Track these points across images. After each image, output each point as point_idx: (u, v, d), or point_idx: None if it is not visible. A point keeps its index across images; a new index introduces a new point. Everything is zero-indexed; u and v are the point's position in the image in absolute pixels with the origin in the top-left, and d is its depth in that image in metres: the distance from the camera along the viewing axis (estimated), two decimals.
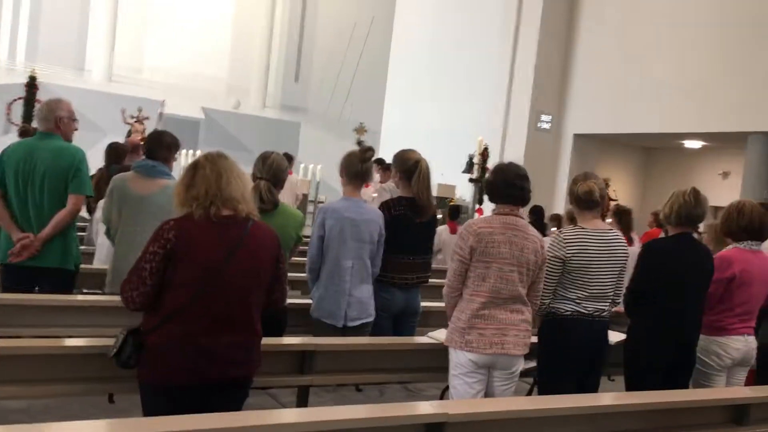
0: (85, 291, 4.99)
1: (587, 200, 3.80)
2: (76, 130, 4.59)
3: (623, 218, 7.65)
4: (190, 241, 2.72)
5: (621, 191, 14.81)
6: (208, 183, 2.79)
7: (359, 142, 13.92)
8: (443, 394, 3.91)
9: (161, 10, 17.88)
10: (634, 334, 4.06)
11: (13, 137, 10.09)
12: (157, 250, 2.71)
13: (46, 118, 4.37)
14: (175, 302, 2.71)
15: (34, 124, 11.04)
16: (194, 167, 2.85)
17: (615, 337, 4.26)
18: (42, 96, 11.84)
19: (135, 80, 17.89)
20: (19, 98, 11.52)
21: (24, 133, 6.40)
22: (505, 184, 3.58)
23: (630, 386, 4.04)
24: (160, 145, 4.43)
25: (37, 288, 4.37)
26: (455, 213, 9.41)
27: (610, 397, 3.59)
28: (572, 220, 7.53)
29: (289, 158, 10.15)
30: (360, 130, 14.37)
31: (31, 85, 11.44)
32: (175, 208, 2.85)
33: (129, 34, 17.71)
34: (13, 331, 3.84)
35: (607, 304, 3.86)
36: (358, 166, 4.32)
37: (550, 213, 10.27)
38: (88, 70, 17.44)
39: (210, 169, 2.82)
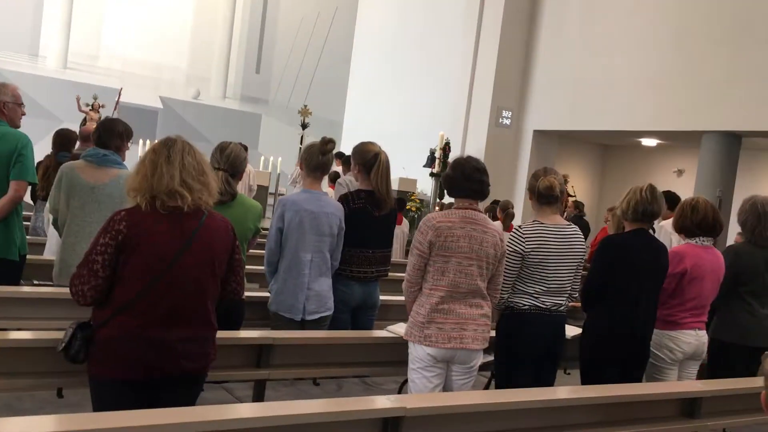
0: (35, 282, 4.85)
1: (548, 195, 3.82)
2: (23, 114, 4.44)
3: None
4: (142, 232, 2.64)
5: (579, 187, 15.02)
6: (145, 176, 2.70)
7: (303, 125, 13.72)
8: (401, 388, 3.91)
9: None
10: (590, 328, 4.11)
11: None
12: (108, 242, 2.63)
13: None
14: (127, 295, 2.64)
15: None
16: (151, 152, 2.77)
17: (571, 331, 4.31)
18: None
19: (91, 68, 17.48)
20: None
21: None
22: (463, 178, 3.58)
23: (585, 380, 4.09)
24: (112, 134, 4.27)
25: None
26: (401, 205, 9.35)
27: (566, 390, 3.64)
28: (504, 211, 8.10)
29: (244, 149, 9.95)
30: (304, 111, 14.17)
31: None
32: (127, 197, 2.76)
33: (85, 19, 17.28)
34: None
35: (565, 298, 3.89)
36: (318, 158, 4.28)
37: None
38: (42, 56, 16.97)
39: (149, 161, 2.73)
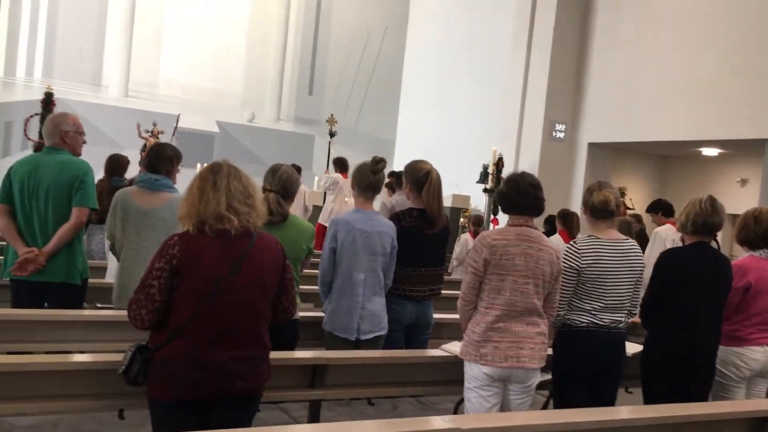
0: (98, 306, 4.99)
1: (602, 210, 3.74)
2: (84, 143, 4.59)
3: (567, 221, 7.67)
4: (195, 256, 2.70)
5: (637, 200, 14.65)
6: (193, 202, 2.76)
7: (331, 133, 13.77)
8: (457, 408, 3.86)
9: (176, 26, 18.02)
10: (651, 344, 4.00)
11: (29, 153, 10.18)
12: (163, 266, 2.69)
13: (51, 133, 4.37)
14: (182, 317, 2.69)
15: None
16: (199, 179, 2.83)
17: (632, 348, 4.20)
18: (59, 111, 11.94)
19: (151, 95, 18.03)
20: (35, 114, 11.60)
21: (38, 149, 6.43)
22: (518, 195, 3.53)
23: (648, 399, 3.97)
24: (162, 159, 4.39)
25: (46, 303, 4.37)
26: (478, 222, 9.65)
27: (628, 410, 3.52)
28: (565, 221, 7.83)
29: (298, 170, 10.23)
30: (331, 120, 14.20)
31: (47, 101, 11.52)
32: (179, 222, 2.82)
33: (144, 49, 17.85)
34: (24, 346, 3.83)
35: (624, 314, 3.79)
36: (369, 178, 4.30)
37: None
38: (104, 86, 17.60)
39: (197, 187, 2.79)
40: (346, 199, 11.32)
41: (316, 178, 16.52)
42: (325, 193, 11.28)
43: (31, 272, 4.19)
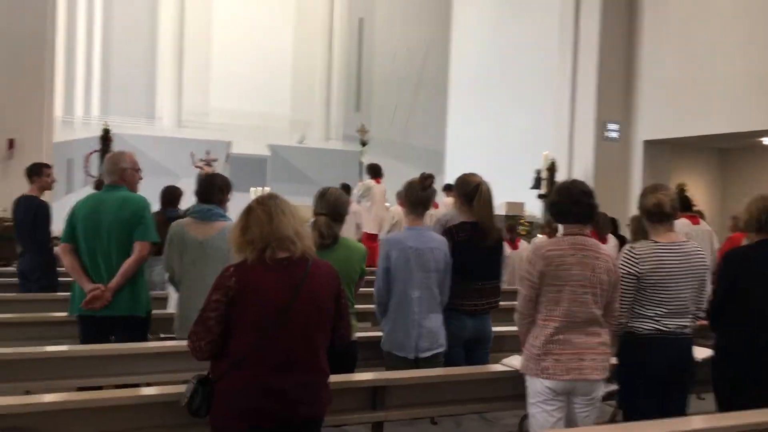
0: (162, 336, 5.09)
1: (658, 213, 3.64)
2: (140, 180, 4.73)
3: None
4: (251, 286, 2.73)
5: (699, 196, 14.18)
6: (261, 225, 2.79)
7: (363, 143, 13.76)
8: (522, 423, 3.79)
9: (223, 55, 18.46)
10: (721, 347, 3.86)
11: (90, 188, 10.53)
12: (220, 298, 2.73)
13: (111, 171, 4.52)
14: (241, 347, 2.72)
15: None
16: (247, 212, 2.87)
17: (701, 353, 4.05)
18: (116, 147, 12.34)
19: (203, 124, 18.48)
20: (95, 151, 12.02)
21: (99, 185, 6.65)
22: (570, 203, 3.46)
23: (722, 405, 3.82)
24: (213, 188, 4.52)
25: (112, 337, 4.49)
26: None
27: (701, 419, 3.39)
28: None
29: (347, 189, 10.41)
30: (362, 130, 14.21)
31: (105, 137, 11.92)
32: (233, 254, 2.87)
33: (194, 80, 18.33)
34: (93, 381, 3.94)
35: (689, 319, 3.66)
36: (418, 194, 4.28)
37: (625, 226, 9.93)
38: (158, 118, 18.13)
39: (261, 211, 2.83)
40: (387, 204, 11.42)
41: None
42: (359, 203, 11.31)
43: (99, 308, 4.32)
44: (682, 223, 7.13)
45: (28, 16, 11.05)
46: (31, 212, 6.27)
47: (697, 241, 7.22)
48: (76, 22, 17.10)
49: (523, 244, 9.64)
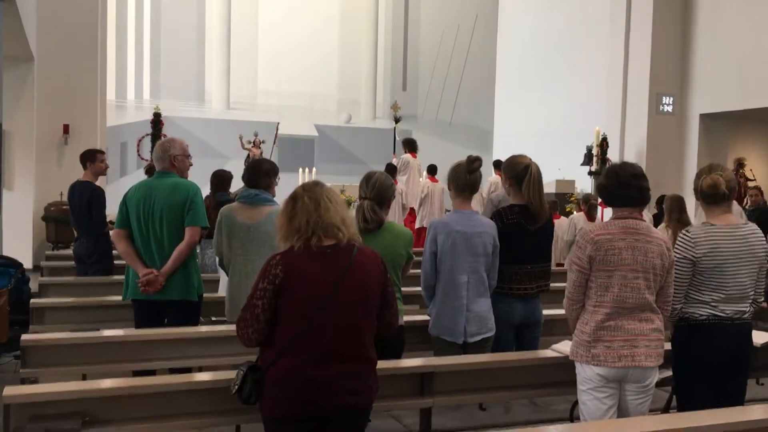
0: (213, 319, 5.19)
1: (713, 194, 3.51)
2: (191, 165, 4.80)
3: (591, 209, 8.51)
4: (297, 274, 2.73)
5: (759, 170, 13.76)
6: (308, 213, 2.79)
7: (397, 119, 13.75)
8: (573, 411, 3.73)
9: (270, 37, 18.49)
10: None
11: (142, 173, 10.77)
12: (266, 286, 2.74)
13: (161, 158, 4.60)
14: (288, 335, 2.73)
15: None
16: (293, 199, 2.87)
17: (760, 338, 3.93)
18: (167, 129, 12.56)
19: (251, 106, 18.62)
20: (147, 135, 12.26)
21: (150, 170, 6.78)
22: (620, 186, 3.36)
23: None
24: (259, 173, 4.59)
25: (166, 320, 4.59)
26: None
27: (761, 409, 3.28)
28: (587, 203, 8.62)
29: (393, 169, 10.51)
30: (395, 107, 14.13)
31: (156, 121, 12.13)
32: (278, 243, 2.87)
33: (242, 62, 18.45)
34: (147, 364, 4.04)
35: (748, 304, 3.54)
36: (465, 177, 4.22)
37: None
38: (207, 101, 18.32)
39: (308, 198, 2.83)
40: (421, 179, 11.53)
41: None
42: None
43: (153, 292, 4.42)
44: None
45: (80, 5, 11.28)
46: (86, 197, 6.43)
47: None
48: (126, 8, 17.38)
49: (562, 219, 9.73)
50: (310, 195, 2.85)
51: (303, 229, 2.78)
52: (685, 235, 3.53)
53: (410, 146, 11.91)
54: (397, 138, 13.17)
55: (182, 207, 4.48)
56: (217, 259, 4.83)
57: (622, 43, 13.89)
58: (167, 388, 3.18)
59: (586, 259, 3.32)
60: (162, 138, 12.03)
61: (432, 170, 11.77)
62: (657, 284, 3.34)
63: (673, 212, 6.72)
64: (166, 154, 4.60)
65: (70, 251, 8.20)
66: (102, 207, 6.51)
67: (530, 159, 4.41)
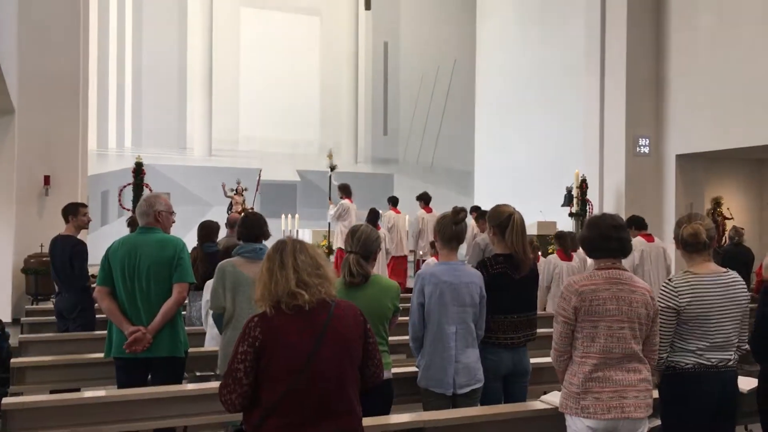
0: (197, 374, 5.13)
1: (694, 243, 3.57)
2: (173, 222, 4.79)
3: (561, 241, 8.30)
4: (277, 335, 2.72)
5: (736, 209, 13.98)
6: (264, 283, 2.81)
7: (331, 167, 13.95)
8: None
9: (251, 84, 18.65)
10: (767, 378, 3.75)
11: (123, 222, 10.70)
12: (247, 349, 2.73)
13: (146, 213, 4.59)
14: (272, 397, 2.71)
15: None
16: (266, 260, 2.88)
17: (746, 384, 3.96)
18: (149, 178, 12.52)
19: (233, 152, 18.66)
20: (128, 184, 12.22)
21: (132, 223, 6.75)
22: (601, 238, 3.41)
23: None
24: (258, 227, 4.66)
25: (150, 377, 4.52)
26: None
27: None
28: (560, 241, 8.38)
29: (376, 214, 10.74)
30: (330, 155, 14.28)
31: (138, 170, 12.11)
32: (255, 304, 2.87)
33: (223, 110, 18.54)
34: (132, 425, 3.96)
35: (732, 352, 3.57)
36: (451, 229, 4.26)
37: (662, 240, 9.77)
38: (189, 148, 18.34)
39: (266, 269, 2.84)
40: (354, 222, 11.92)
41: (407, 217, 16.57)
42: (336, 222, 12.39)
43: (141, 350, 4.36)
44: (637, 241, 8.19)
45: (61, 55, 11.32)
46: (68, 252, 6.39)
47: (651, 257, 8.00)
48: (108, 56, 17.47)
49: (542, 261, 9.72)
50: (268, 263, 2.86)
51: (275, 291, 2.79)
52: (667, 284, 3.57)
53: (345, 191, 12.49)
54: (333, 183, 13.46)
55: (170, 263, 4.46)
56: (204, 312, 4.80)
57: (598, 85, 14.18)
58: None
59: (571, 310, 3.35)
60: (144, 188, 12.05)
61: (394, 202, 13.14)
62: (643, 334, 3.37)
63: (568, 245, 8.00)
64: (151, 209, 4.59)
65: (50, 304, 8.11)
66: (85, 261, 6.47)
67: (513, 208, 4.46)
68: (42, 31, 11.15)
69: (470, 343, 4.15)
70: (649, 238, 8.53)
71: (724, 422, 3.58)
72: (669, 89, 13.58)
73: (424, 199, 12.91)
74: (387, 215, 12.85)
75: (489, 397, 4.22)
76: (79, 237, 6.65)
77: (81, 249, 6.46)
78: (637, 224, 8.57)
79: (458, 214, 4.28)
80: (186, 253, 4.58)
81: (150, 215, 4.59)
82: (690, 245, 3.58)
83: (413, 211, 13.48)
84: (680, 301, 3.49)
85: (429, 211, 12.75)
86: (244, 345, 2.74)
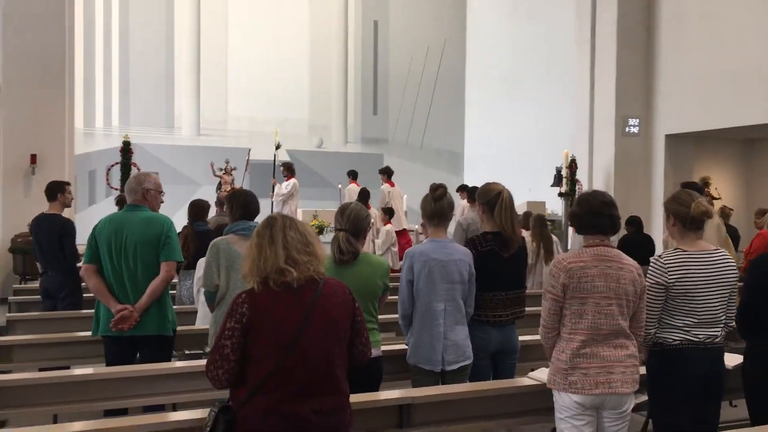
0: (186, 353, 5.11)
1: (701, 221, 3.56)
2: (162, 203, 4.75)
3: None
4: (264, 312, 2.71)
5: (723, 189, 14.05)
6: (252, 259, 2.79)
7: (277, 146, 13.57)
8: None
9: (239, 63, 18.50)
10: (753, 357, 3.78)
11: (111, 202, 10.62)
12: (234, 326, 2.72)
13: (134, 190, 4.56)
14: (259, 374, 2.70)
15: None
16: (256, 236, 2.86)
17: (732, 360, 3.99)
18: (137, 157, 12.43)
19: (222, 131, 18.56)
20: (116, 163, 12.12)
21: (121, 201, 6.70)
22: (591, 214, 3.42)
23: (755, 412, 3.75)
24: (253, 205, 4.59)
25: (138, 355, 4.51)
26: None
27: None
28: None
29: (366, 194, 10.75)
30: (275, 133, 13.75)
31: (126, 149, 12.02)
32: (243, 279, 2.85)
33: (212, 89, 18.39)
34: (120, 403, 3.96)
35: (720, 328, 3.60)
36: (431, 206, 4.26)
37: (648, 222, 9.84)
38: (177, 128, 18.21)
39: (254, 244, 2.82)
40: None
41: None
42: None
43: (128, 329, 4.35)
44: None
45: (47, 33, 11.16)
46: (57, 230, 6.32)
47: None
48: (94, 35, 17.26)
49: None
50: (257, 239, 2.83)
51: (263, 267, 2.77)
52: (657, 260, 3.58)
53: (290, 170, 12.75)
54: (277, 164, 13.37)
55: (157, 241, 4.43)
56: (195, 290, 4.78)
57: (588, 66, 14.15)
58: (139, 430, 3.12)
59: (559, 287, 3.36)
60: (132, 167, 11.96)
61: (389, 174, 13.34)
62: (630, 310, 3.39)
63: (535, 228, 8.15)
64: (140, 187, 4.56)
65: (37, 284, 8.03)
66: (74, 240, 6.40)
67: (503, 186, 4.45)
68: (27, 8, 10.97)
69: (459, 321, 4.16)
70: None
71: (710, 398, 3.60)
72: (658, 70, 13.57)
73: (387, 173, 13.11)
74: (383, 189, 12.90)
75: (478, 375, 4.23)
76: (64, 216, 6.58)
77: (71, 227, 6.40)
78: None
79: (435, 190, 4.28)
80: (174, 231, 4.55)
81: (138, 192, 4.56)
82: (698, 222, 3.56)
83: (403, 191, 13.48)
84: (669, 277, 3.50)
85: (392, 185, 13.08)
86: (231, 321, 2.73)
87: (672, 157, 13.54)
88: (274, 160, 13.54)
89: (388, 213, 12.01)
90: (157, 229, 4.43)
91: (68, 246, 6.33)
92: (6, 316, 6.27)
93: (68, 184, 6.75)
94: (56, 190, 6.48)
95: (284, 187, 12.63)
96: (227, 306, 4.28)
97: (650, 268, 3.59)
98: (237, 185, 13.94)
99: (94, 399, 3.92)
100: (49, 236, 6.33)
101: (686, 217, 3.55)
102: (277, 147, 13.56)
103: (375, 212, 11.87)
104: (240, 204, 4.64)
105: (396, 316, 4.43)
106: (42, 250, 6.43)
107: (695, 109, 12.78)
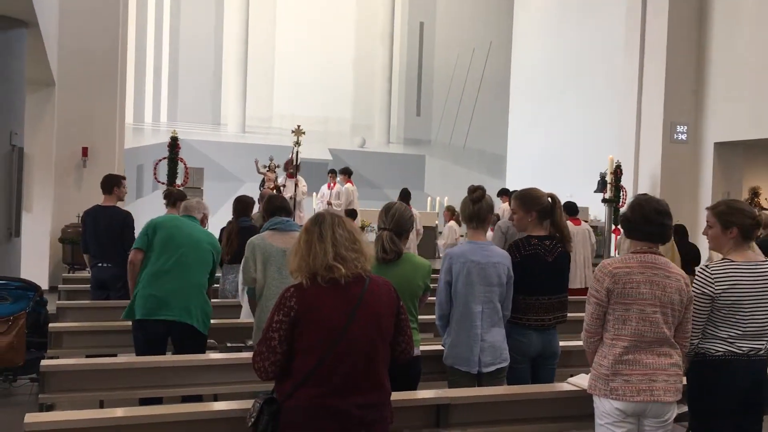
0: (228, 345, 5.21)
1: (756, 230, 3.50)
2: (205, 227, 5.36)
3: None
4: (311, 306, 2.76)
5: None
6: (301, 256, 2.84)
7: (297, 143, 13.40)
8: None
9: (286, 61, 18.71)
10: None
11: (158, 195, 10.84)
12: (282, 319, 2.77)
13: (197, 209, 5.24)
14: (304, 367, 2.75)
15: (179, 181, 11.84)
16: (305, 232, 2.91)
17: None
18: (183, 152, 12.65)
19: (267, 129, 18.78)
20: (164, 158, 12.36)
21: (168, 195, 6.81)
22: (643, 221, 3.37)
23: None
24: (284, 206, 4.92)
25: (170, 339, 4.72)
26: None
27: None
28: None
29: (407, 194, 10.75)
30: (297, 131, 13.56)
31: (173, 144, 12.23)
32: (291, 275, 2.90)
33: (258, 86, 18.63)
34: (163, 391, 4.05)
35: (764, 341, 3.52)
36: (470, 208, 4.25)
37: (694, 230, 9.64)
38: (223, 124, 18.49)
39: (303, 241, 2.87)
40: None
41: (429, 198, 16.55)
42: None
43: None
44: (571, 226, 8.43)
45: (101, 31, 11.48)
46: (120, 222, 6.46)
47: (577, 238, 8.16)
48: (146, 33, 17.66)
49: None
50: (306, 235, 2.89)
51: (312, 264, 2.82)
52: (704, 270, 3.51)
53: (346, 173, 13.56)
54: (298, 162, 13.42)
55: (204, 247, 5.00)
56: (240, 287, 4.92)
57: (636, 71, 13.94)
58: (185, 417, 3.19)
59: (603, 291, 3.32)
60: (179, 162, 12.19)
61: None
62: (675, 319, 3.34)
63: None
64: (201, 211, 5.28)
65: (86, 273, 8.21)
66: (134, 232, 6.49)
67: (545, 192, 4.46)
68: (82, 8, 11.30)
69: (496, 323, 4.14)
70: (577, 221, 9.01)
71: (751, 410, 3.53)
72: (709, 77, 13.30)
73: (347, 173, 13.84)
74: (347, 188, 13.54)
75: (517, 378, 4.21)
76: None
77: (132, 220, 6.59)
78: (568, 210, 8.86)
79: (474, 192, 4.27)
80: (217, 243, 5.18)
81: (199, 212, 5.25)
82: (752, 233, 3.50)
83: (443, 194, 13.44)
84: (716, 288, 3.44)
85: (352, 183, 13.85)
86: (279, 314, 2.78)
87: (721, 165, 13.25)
88: (297, 157, 13.46)
89: (351, 214, 11.99)
90: (209, 241, 5.07)
91: (129, 238, 6.40)
92: (56, 304, 6.44)
93: (124, 178, 6.93)
94: (113, 183, 6.63)
95: (338, 196, 13.46)
96: (265, 299, 4.45)
97: (696, 277, 3.53)
98: (280, 182, 14.07)
99: (136, 386, 4.02)
100: (109, 228, 6.45)
101: (751, 228, 3.49)
102: (297, 144, 13.56)
103: (416, 213, 11.87)
104: (274, 205, 4.96)
105: (433, 317, 4.44)
106: (99, 241, 6.50)
107: (746, 117, 12.49)
